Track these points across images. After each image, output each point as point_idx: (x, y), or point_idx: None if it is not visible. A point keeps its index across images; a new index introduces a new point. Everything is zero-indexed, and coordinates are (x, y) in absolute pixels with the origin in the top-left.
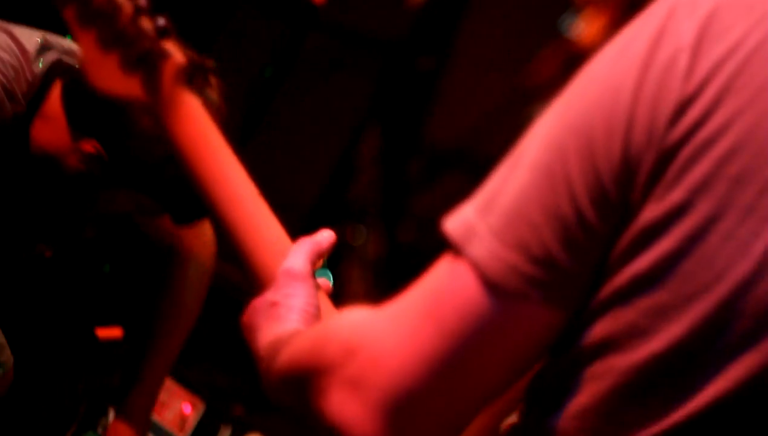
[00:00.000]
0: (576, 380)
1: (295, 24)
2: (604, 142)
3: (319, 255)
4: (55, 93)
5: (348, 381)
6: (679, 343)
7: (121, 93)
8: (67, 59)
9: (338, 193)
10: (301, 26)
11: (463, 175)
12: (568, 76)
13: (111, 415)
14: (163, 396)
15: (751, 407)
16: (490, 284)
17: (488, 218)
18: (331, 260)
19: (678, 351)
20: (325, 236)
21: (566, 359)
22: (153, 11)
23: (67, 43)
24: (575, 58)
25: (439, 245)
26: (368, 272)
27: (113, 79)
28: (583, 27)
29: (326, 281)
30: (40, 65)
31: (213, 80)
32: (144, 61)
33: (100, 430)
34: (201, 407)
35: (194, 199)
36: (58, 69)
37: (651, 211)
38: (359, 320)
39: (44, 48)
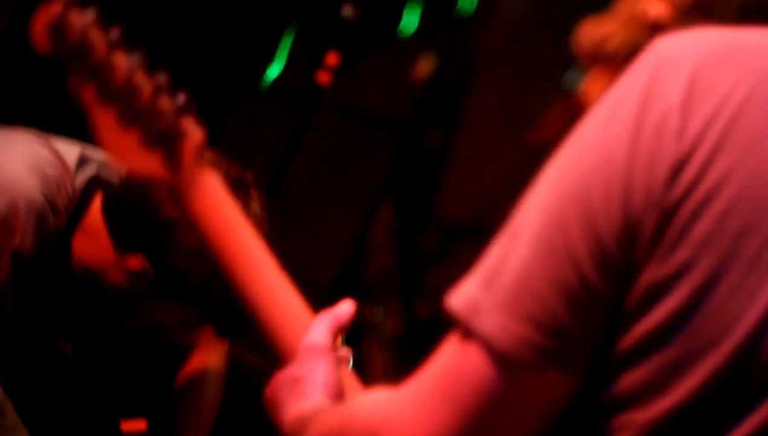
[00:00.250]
0: None
1: (301, 106)
2: (604, 208)
3: (340, 328)
4: (95, 207)
5: None
6: (695, 397)
7: (141, 171)
8: (104, 172)
9: (355, 272)
10: (308, 108)
11: (477, 246)
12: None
13: None
14: None
15: None
16: (502, 359)
17: (493, 292)
18: (352, 339)
19: (694, 405)
20: (345, 309)
21: (584, 417)
22: (172, 89)
23: (104, 155)
24: (582, 116)
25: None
26: (388, 349)
27: (133, 156)
28: (588, 84)
29: (347, 352)
30: (79, 179)
31: (254, 192)
32: (164, 139)
33: None
34: None
35: (240, 314)
36: (98, 183)
37: (656, 270)
38: (380, 401)
39: (83, 161)
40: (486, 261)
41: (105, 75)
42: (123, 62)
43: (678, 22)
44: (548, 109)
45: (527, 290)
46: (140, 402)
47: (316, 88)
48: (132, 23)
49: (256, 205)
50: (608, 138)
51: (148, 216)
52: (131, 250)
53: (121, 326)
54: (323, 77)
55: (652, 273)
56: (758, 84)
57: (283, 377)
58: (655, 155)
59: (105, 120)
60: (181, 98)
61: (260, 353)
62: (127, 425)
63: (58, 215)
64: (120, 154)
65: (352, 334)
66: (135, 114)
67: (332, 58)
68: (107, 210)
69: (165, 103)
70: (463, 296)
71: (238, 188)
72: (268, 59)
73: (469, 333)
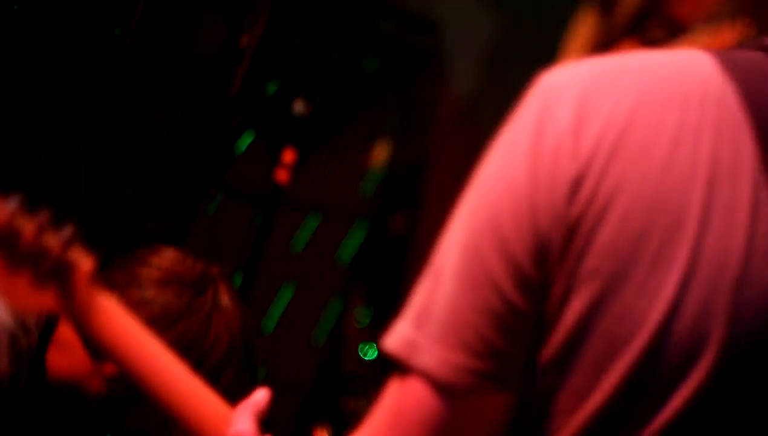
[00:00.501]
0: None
1: (262, 205)
2: (515, 232)
3: (261, 415)
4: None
5: None
6: (616, 394)
7: (38, 309)
8: None
9: (335, 366)
10: (270, 206)
11: None
12: None
13: None
14: None
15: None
16: (443, 388)
17: (426, 329)
18: (338, 432)
19: (617, 402)
20: (261, 396)
21: (523, 427)
22: (56, 223)
23: None
24: None
25: None
26: None
27: (27, 297)
28: None
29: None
30: None
31: (222, 286)
32: (54, 274)
33: None
34: None
35: None
36: None
37: (567, 281)
38: None
39: None
40: (414, 301)
41: None
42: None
43: None
44: None
45: (458, 321)
46: None
47: (276, 187)
48: (86, 132)
49: (225, 298)
50: (510, 169)
51: None
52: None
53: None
54: (281, 175)
55: (563, 283)
56: (640, 98)
57: None
58: (553, 177)
59: None
60: (67, 231)
61: None
62: None
63: (30, 333)
64: (14, 297)
65: (338, 427)
66: (21, 257)
67: (288, 155)
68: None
69: (49, 240)
70: (399, 337)
71: (204, 283)
72: (227, 161)
73: (410, 370)
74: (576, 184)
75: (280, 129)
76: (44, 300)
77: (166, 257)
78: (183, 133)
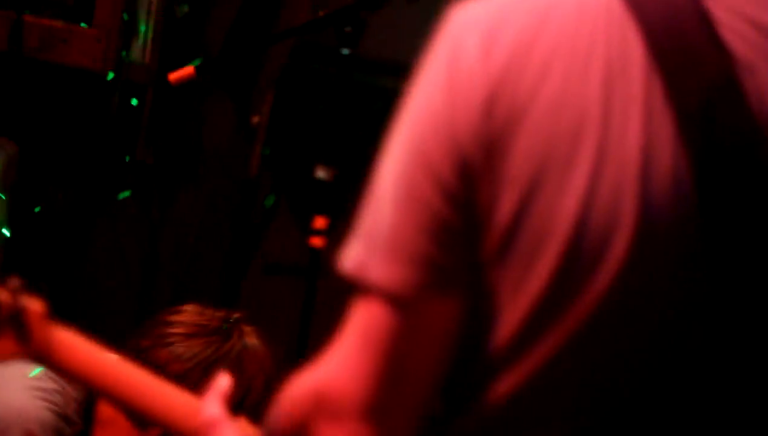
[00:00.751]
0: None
1: (303, 275)
2: (439, 155)
3: (227, 398)
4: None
5: (328, 418)
6: (549, 277)
7: (1, 358)
8: None
9: None
10: (311, 275)
11: None
12: None
13: None
14: None
15: (609, 329)
16: (395, 299)
17: (374, 249)
18: None
19: (550, 284)
20: (223, 381)
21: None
22: (1, 278)
23: None
24: None
25: None
26: None
27: None
28: None
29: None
30: None
31: (246, 328)
32: (10, 323)
33: None
34: None
35: None
36: None
37: (492, 190)
38: (310, 378)
39: None
40: (362, 226)
41: None
42: None
43: None
44: None
45: (400, 238)
46: None
47: (314, 254)
48: (114, 241)
49: (252, 340)
50: (430, 99)
51: None
52: (151, 424)
53: None
54: (316, 242)
55: (489, 193)
56: (541, 15)
57: None
58: (468, 99)
59: None
60: (13, 281)
61: None
62: None
63: (73, 423)
64: None
65: None
66: None
67: (319, 222)
68: None
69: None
70: (352, 259)
71: (229, 329)
72: (258, 239)
73: (366, 288)
74: (490, 103)
75: (307, 197)
76: (6, 348)
77: (187, 312)
78: (211, 222)
